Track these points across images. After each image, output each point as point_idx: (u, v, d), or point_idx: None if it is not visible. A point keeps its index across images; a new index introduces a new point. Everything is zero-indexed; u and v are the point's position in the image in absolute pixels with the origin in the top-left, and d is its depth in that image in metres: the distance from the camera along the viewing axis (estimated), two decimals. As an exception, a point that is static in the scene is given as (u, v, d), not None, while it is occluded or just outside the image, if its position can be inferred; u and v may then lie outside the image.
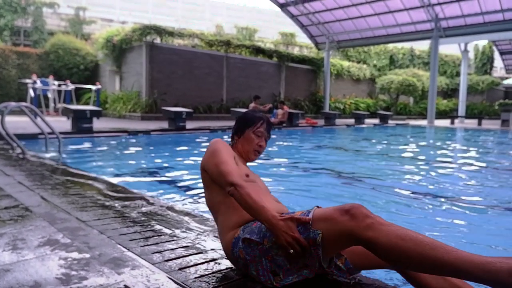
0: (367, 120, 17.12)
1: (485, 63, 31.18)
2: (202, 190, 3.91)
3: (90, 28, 21.31)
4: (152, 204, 2.80)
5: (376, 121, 17.80)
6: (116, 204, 2.72)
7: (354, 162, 6.47)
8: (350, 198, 3.78)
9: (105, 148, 7.38)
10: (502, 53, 27.49)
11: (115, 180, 3.86)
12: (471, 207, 3.62)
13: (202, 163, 1.76)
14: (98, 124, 10.53)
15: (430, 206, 3.62)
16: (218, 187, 1.67)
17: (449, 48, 26.68)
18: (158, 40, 15.28)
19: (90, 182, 3.52)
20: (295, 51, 23.95)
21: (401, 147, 9.24)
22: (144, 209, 2.63)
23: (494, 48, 28.61)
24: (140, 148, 7.60)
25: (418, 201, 3.82)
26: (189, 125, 11.25)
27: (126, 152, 7.02)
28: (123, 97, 15.22)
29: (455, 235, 2.82)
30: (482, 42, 29.92)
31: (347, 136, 11.95)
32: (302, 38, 24.63)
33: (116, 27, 18.57)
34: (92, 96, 15.89)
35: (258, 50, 18.92)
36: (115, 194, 3.05)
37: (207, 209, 3.25)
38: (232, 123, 13.20)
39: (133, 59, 15.41)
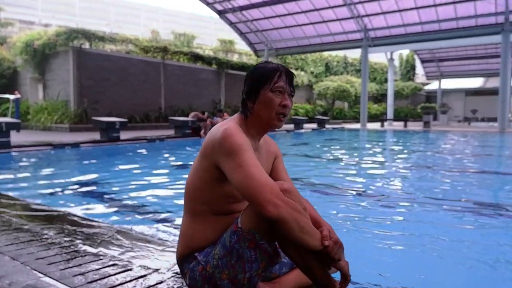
0: (306, 125, 17.52)
1: (409, 71, 33.90)
2: (135, 204, 3.56)
3: (7, 31, 19.33)
4: (77, 222, 2.54)
5: (314, 125, 18.32)
6: (35, 226, 2.42)
7: (296, 166, 6.41)
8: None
9: (25, 164, 6.55)
10: (422, 61, 29.97)
11: (35, 200, 3.39)
12: (398, 203, 3.77)
13: (209, 153, 1.35)
14: (18, 137, 9.46)
15: (363, 203, 3.70)
16: (222, 188, 1.36)
17: (378, 57, 28.53)
18: (87, 45, 14.25)
19: (3, 203, 3.07)
20: (235, 58, 23.96)
21: (337, 149, 9.46)
22: (67, 228, 2.38)
23: (416, 57, 31.15)
24: (67, 163, 6.88)
25: (351, 198, 3.83)
26: (124, 135, 10.57)
27: (50, 168, 6.29)
28: (48, 107, 13.94)
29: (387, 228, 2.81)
30: (405, 51, 32.48)
31: (287, 140, 12.02)
32: (241, 45, 24.75)
33: (37, 30, 17.05)
34: (10, 106, 14.33)
35: (197, 57, 18.57)
36: (35, 215, 2.72)
37: (137, 223, 2.97)
38: (171, 131, 12.64)
39: (59, 65, 14.19)
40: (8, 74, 16.34)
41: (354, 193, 4.27)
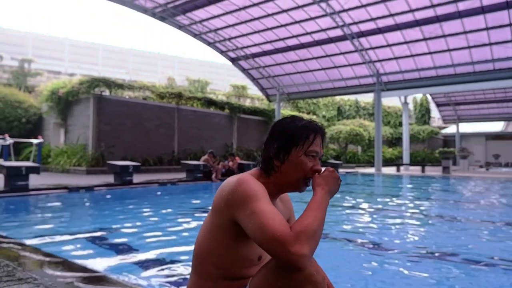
0: (319, 169, 17.37)
1: (424, 114, 33.73)
2: (149, 257, 3.53)
3: (36, 80, 20.68)
4: (82, 271, 2.45)
5: (328, 170, 18.13)
6: (37, 276, 2.31)
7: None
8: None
9: (38, 208, 6.76)
10: (438, 105, 29.83)
11: (36, 243, 3.42)
12: (418, 256, 3.57)
13: (222, 208, 1.22)
14: (38, 180, 9.80)
15: (378, 257, 3.55)
16: (238, 250, 1.24)
17: (391, 100, 28.72)
18: (107, 92, 15.03)
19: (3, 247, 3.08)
20: (247, 102, 24.63)
21: (352, 196, 9.36)
22: (73, 280, 2.26)
23: (431, 100, 31.13)
24: (79, 207, 7.05)
25: (366, 251, 3.75)
26: (137, 178, 10.78)
27: (62, 212, 6.47)
28: (68, 151, 14.48)
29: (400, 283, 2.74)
30: (419, 94, 32.55)
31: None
32: (253, 90, 25.51)
33: (63, 79, 18.15)
34: (33, 150, 14.97)
35: (210, 102, 19.18)
36: (37, 262, 2.63)
37: (142, 274, 2.93)
38: (183, 175, 12.66)
39: (80, 111, 14.93)
40: (33, 119, 17.26)
41: (371, 245, 4.09)
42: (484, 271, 3.17)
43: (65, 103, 15.27)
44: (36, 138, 15.23)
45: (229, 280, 1.26)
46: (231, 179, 1.25)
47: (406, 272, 3.12)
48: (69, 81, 16.03)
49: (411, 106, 32.45)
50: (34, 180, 9.35)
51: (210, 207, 1.33)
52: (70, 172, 14.02)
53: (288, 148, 1.30)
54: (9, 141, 14.35)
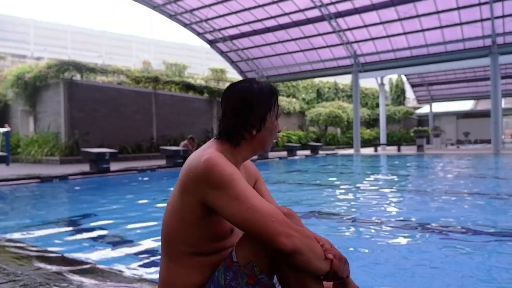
0: (299, 152, 17.44)
1: (399, 95, 34.37)
2: (128, 245, 3.35)
3: (-1, 65, 19.45)
4: (55, 262, 2.29)
5: (308, 152, 18.23)
6: (6, 267, 2.17)
7: (291, 194, 6.27)
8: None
9: (6, 199, 6.33)
10: (413, 86, 30.39)
11: (10, 236, 3.22)
12: (397, 229, 3.59)
13: (190, 189, 1.18)
14: (7, 171, 9.26)
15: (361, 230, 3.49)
16: (208, 227, 1.21)
17: (369, 82, 28.98)
18: (78, 77, 14.28)
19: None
20: (226, 86, 24.17)
21: (331, 175, 9.34)
22: (45, 270, 2.10)
23: (405, 81, 31.69)
24: (52, 197, 6.66)
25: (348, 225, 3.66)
26: (115, 166, 10.38)
27: (33, 202, 6.08)
28: (39, 140, 13.77)
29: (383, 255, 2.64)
30: (394, 76, 33.03)
31: (281, 168, 11.91)
32: (232, 73, 25.06)
33: (29, 63, 17.13)
34: (0, 140, 14.14)
35: (188, 86, 18.68)
36: (9, 254, 2.49)
37: (123, 262, 2.77)
38: (162, 161, 12.38)
39: (50, 97, 14.15)
40: (-2, 107, 16.27)
41: (351, 219, 4.13)
42: (458, 238, 3.27)
43: (32, 88, 14.42)
44: (2, 126, 14.39)
45: (201, 256, 1.25)
46: (198, 158, 1.20)
47: (383, 242, 3.22)
48: (35, 65, 15.11)
49: (387, 88, 32.90)
50: (3, 171, 8.84)
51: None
52: (42, 162, 13.39)
53: (264, 116, 1.29)
54: (-27, 130, 13.49)
